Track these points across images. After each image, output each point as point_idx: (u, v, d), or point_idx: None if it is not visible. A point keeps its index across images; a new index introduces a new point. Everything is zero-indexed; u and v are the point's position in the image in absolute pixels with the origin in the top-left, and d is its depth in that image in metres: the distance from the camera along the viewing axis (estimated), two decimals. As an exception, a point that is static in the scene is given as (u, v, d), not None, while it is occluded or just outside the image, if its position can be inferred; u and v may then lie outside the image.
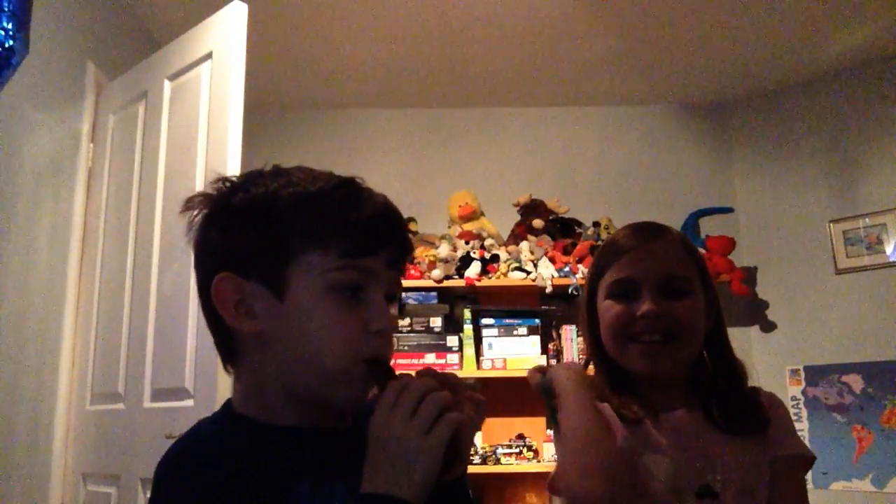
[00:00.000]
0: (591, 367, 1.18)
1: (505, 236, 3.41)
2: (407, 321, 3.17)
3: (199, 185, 2.04)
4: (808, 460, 1.08)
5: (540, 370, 1.08)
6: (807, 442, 3.23)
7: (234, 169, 2.00)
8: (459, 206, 3.37)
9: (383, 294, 0.74)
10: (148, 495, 0.91)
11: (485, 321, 3.18)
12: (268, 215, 0.72)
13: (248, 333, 0.73)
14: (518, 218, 3.40)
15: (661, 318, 1.06)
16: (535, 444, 3.06)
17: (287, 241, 0.71)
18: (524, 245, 3.25)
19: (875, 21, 3.00)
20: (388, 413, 0.67)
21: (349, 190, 0.76)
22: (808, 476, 3.69)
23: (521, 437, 3.09)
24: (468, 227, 3.33)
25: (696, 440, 1.06)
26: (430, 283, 3.17)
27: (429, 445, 0.65)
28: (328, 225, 0.72)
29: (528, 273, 3.15)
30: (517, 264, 3.18)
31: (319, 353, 0.70)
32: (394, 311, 0.77)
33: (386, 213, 0.76)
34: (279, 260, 0.72)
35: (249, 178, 0.76)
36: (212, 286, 0.72)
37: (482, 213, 3.44)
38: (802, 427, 3.27)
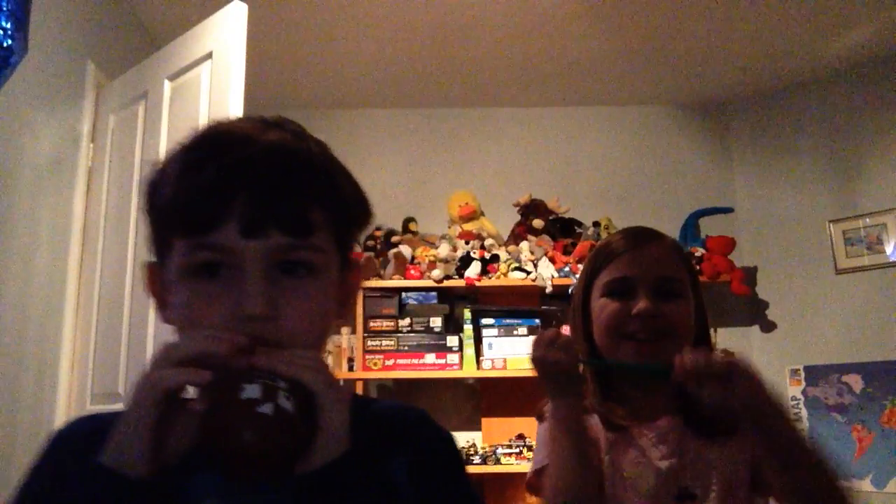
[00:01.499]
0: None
1: (505, 236, 3.41)
2: (407, 321, 3.17)
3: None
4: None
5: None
6: (807, 442, 3.24)
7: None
8: (459, 206, 3.37)
9: (260, 269, 0.60)
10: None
11: (485, 321, 3.18)
12: (146, 193, 0.67)
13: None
14: (518, 218, 3.40)
15: (655, 317, 1.08)
16: (535, 444, 3.06)
17: (157, 222, 0.65)
18: (524, 245, 3.25)
19: (875, 21, 3.00)
20: None
21: (203, 147, 0.64)
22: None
23: (520, 437, 3.09)
24: (468, 227, 3.33)
25: (677, 446, 1.08)
26: (430, 283, 3.17)
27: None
28: (171, 198, 0.62)
29: (528, 273, 3.15)
30: (517, 264, 3.18)
31: None
32: (307, 285, 0.63)
33: (239, 165, 0.61)
34: (162, 244, 0.65)
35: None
36: None
37: (482, 213, 3.45)
38: (802, 427, 3.27)
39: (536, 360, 1.05)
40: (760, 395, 0.99)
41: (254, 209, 0.60)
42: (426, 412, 0.75)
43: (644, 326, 1.08)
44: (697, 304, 1.16)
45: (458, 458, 0.74)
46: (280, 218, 0.61)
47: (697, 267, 3.23)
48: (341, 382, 3.04)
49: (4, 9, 1.43)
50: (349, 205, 0.68)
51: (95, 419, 0.68)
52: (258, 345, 0.59)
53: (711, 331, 3.56)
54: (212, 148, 0.63)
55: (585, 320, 1.17)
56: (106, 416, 0.65)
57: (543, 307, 3.22)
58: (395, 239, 3.33)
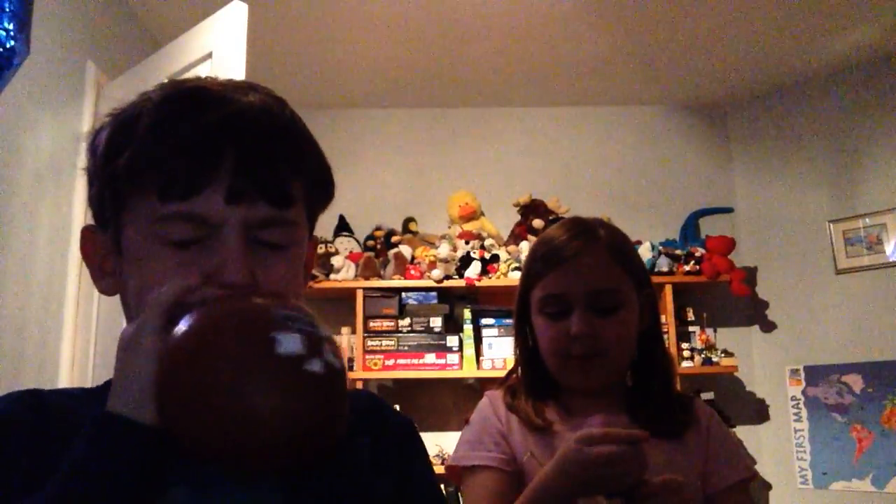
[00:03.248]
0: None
1: (505, 236, 3.41)
2: (407, 321, 3.17)
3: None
4: (746, 482, 1.08)
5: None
6: (806, 442, 3.25)
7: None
8: (459, 206, 3.37)
9: (241, 239, 0.56)
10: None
11: (485, 321, 3.18)
12: (98, 151, 0.61)
13: (113, 295, 0.63)
14: (518, 218, 3.41)
15: (590, 337, 1.06)
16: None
17: (115, 180, 0.58)
18: (524, 245, 3.25)
19: (875, 21, 3.00)
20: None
21: (177, 100, 0.59)
22: (809, 476, 3.67)
23: (521, 437, 3.09)
24: (468, 227, 3.33)
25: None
26: (430, 283, 3.17)
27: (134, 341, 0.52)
28: (143, 154, 0.56)
29: (528, 273, 3.15)
30: (517, 264, 3.18)
31: None
32: (282, 258, 0.59)
33: (222, 122, 0.56)
34: (114, 205, 0.59)
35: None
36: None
37: (482, 213, 3.45)
38: (802, 427, 3.28)
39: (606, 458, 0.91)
40: None
41: (241, 174, 0.56)
42: (376, 395, 0.73)
43: (584, 345, 1.06)
44: (645, 296, 1.12)
45: (420, 441, 0.71)
46: (266, 186, 0.57)
47: (698, 267, 3.23)
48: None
49: (7, 10, 1.43)
50: (324, 179, 0.65)
51: (33, 394, 0.61)
52: None
53: (711, 331, 3.55)
54: (191, 104, 0.58)
55: (528, 334, 1.15)
56: (43, 391, 0.61)
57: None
58: (395, 239, 3.33)
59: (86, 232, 0.64)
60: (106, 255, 0.62)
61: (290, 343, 0.46)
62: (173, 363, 0.48)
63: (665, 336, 3.13)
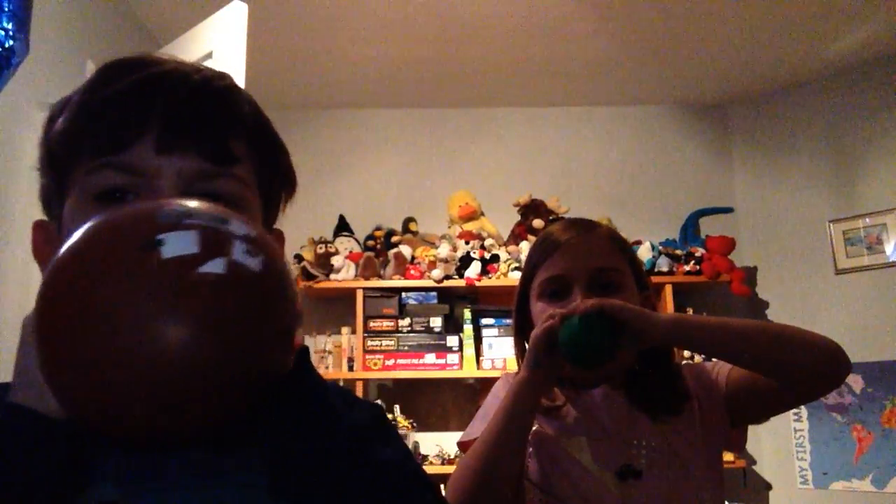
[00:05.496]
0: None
1: (505, 236, 3.41)
2: (407, 321, 3.17)
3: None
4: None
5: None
6: (806, 442, 3.25)
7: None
8: (459, 206, 3.37)
9: (177, 191, 0.52)
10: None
11: (485, 321, 3.18)
12: (42, 137, 0.59)
13: None
14: (518, 218, 3.40)
15: None
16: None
17: (53, 156, 0.56)
18: (524, 245, 3.25)
19: (875, 21, 3.00)
20: None
21: (111, 68, 0.57)
22: (809, 476, 3.66)
23: (521, 437, 3.09)
24: (468, 227, 3.33)
25: (615, 418, 1.05)
26: (430, 283, 3.17)
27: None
28: (74, 118, 0.55)
29: (528, 273, 3.15)
30: (517, 264, 3.18)
31: None
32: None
33: (152, 78, 0.55)
34: (57, 186, 0.57)
35: None
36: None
37: (482, 213, 3.45)
38: (802, 427, 3.28)
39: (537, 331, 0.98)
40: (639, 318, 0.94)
41: (172, 123, 0.53)
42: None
43: None
44: (644, 297, 1.09)
45: (389, 421, 0.67)
46: (200, 138, 0.54)
47: (698, 267, 3.23)
48: (341, 384, 3.04)
49: (6, 10, 1.43)
50: (276, 151, 0.62)
51: None
52: None
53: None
54: (123, 68, 0.56)
55: (526, 325, 1.11)
56: None
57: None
58: (395, 239, 3.33)
59: (36, 226, 0.61)
60: (53, 247, 0.57)
61: (176, 243, 0.35)
62: (42, 302, 0.38)
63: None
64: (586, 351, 0.94)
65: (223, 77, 0.59)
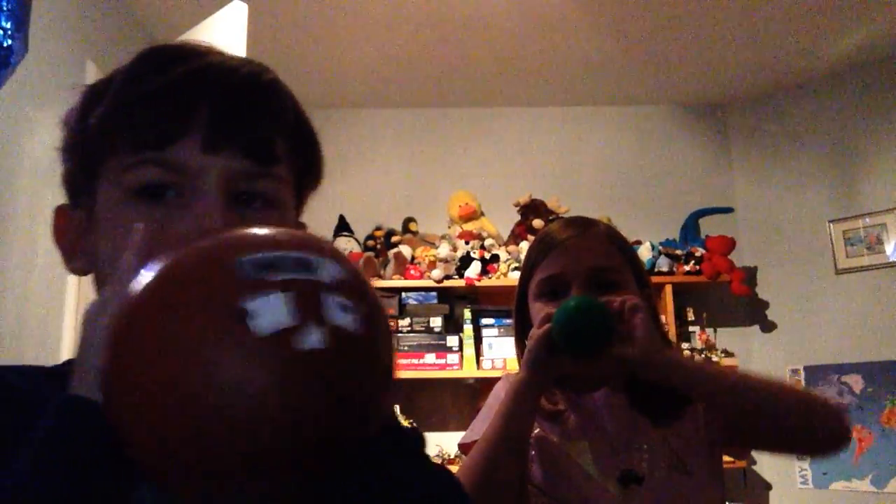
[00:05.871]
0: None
1: (505, 236, 3.41)
2: (407, 321, 3.17)
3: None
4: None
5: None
6: (807, 442, 3.24)
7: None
8: (459, 206, 3.37)
9: (221, 192, 0.51)
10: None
11: (485, 321, 3.18)
12: (70, 122, 0.58)
13: (86, 275, 0.57)
14: (518, 218, 3.40)
15: None
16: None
17: (87, 144, 0.55)
18: (524, 245, 3.25)
19: (875, 21, 3.00)
20: None
21: (153, 57, 0.55)
22: (808, 476, 3.66)
23: (521, 437, 3.09)
24: (468, 227, 3.33)
25: (616, 422, 1.04)
26: (430, 283, 3.17)
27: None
28: (115, 110, 0.53)
29: (528, 273, 3.15)
30: (517, 264, 3.18)
31: None
32: (265, 220, 0.50)
33: (198, 72, 0.53)
34: (87, 174, 0.55)
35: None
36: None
37: (482, 213, 3.45)
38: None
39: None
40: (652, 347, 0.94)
41: (218, 124, 0.51)
42: None
43: None
44: (645, 296, 1.06)
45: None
46: (246, 137, 0.53)
47: (698, 267, 3.23)
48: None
49: (4, 9, 1.43)
50: (309, 146, 0.61)
51: None
52: None
53: (711, 331, 3.54)
54: (166, 58, 0.54)
55: (525, 325, 1.09)
56: None
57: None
58: (395, 239, 3.33)
59: (58, 210, 0.59)
60: (79, 235, 0.56)
61: (268, 314, 0.33)
62: (111, 342, 0.37)
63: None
64: (582, 336, 0.92)
65: (268, 70, 0.58)
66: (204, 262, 0.36)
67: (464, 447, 1.09)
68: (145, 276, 0.37)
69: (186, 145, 0.51)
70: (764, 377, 0.98)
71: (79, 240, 0.57)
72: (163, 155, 0.51)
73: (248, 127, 0.53)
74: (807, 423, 0.93)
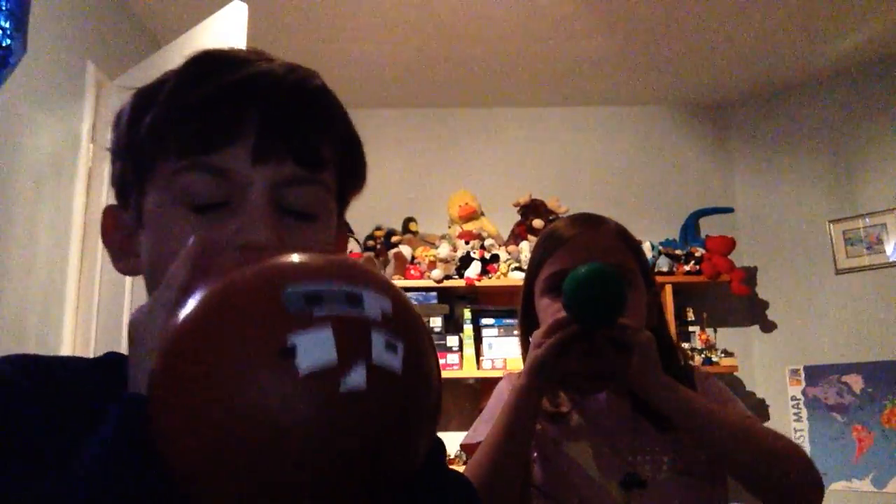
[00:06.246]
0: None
1: (505, 236, 3.41)
2: (407, 321, 3.17)
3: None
4: (753, 419, 1.03)
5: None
6: (806, 442, 3.24)
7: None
8: (459, 206, 3.37)
9: (268, 201, 0.52)
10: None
11: (485, 321, 3.18)
12: (121, 123, 0.59)
13: (134, 275, 0.58)
14: (518, 218, 3.40)
15: None
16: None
17: (138, 147, 0.56)
18: (524, 245, 3.25)
19: (875, 21, 3.00)
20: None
21: (203, 63, 0.56)
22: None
23: (521, 437, 3.09)
24: (468, 227, 3.33)
25: (619, 425, 1.03)
26: (430, 283, 3.17)
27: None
28: (166, 115, 0.54)
29: (528, 273, 3.15)
30: (517, 264, 3.18)
31: None
32: (311, 228, 0.54)
33: (248, 80, 0.54)
34: (137, 175, 0.56)
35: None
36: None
37: (482, 213, 3.45)
38: (802, 427, 3.27)
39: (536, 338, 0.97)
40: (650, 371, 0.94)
41: (267, 132, 0.52)
42: None
43: None
44: (651, 295, 1.05)
45: None
46: (295, 144, 0.53)
47: (698, 266, 3.23)
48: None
49: (3, 8, 1.43)
50: (354, 150, 0.62)
51: (30, 359, 0.55)
52: None
53: (711, 331, 3.54)
54: (217, 65, 0.55)
55: (531, 323, 1.07)
56: (42, 357, 0.55)
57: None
58: (395, 239, 3.33)
59: (108, 211, 0.60)
60: (127, 236, 0.58)
61: (313, 351, 0.33)
62: (158, 366, 0.38)
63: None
64: (596, 301, 0.90)
65: (314, 76, 0.58)
66: (253, 293, 0.36)
67: (467, 448, 1.08)
68: (194, 302, 0.38)
69: (236, 152, 0.52)
70: (741, 420, 0.96)
71: (127, 240, 0.58)
72: (212, 160, 0.52)
73: (296, 134, 0.54)
74: (772, 474, 0.91)
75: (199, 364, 0.35)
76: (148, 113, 0.55)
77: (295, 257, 0.39)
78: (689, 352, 3.19)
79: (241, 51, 0.59)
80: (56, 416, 0.49)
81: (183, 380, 0.36)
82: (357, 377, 0.33)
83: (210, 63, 0.56)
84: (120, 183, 0.60)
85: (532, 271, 1.09)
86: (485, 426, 1.04)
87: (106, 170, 2.47)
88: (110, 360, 0.58)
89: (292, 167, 0.53)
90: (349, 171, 0.61)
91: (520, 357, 2.91)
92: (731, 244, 3.29)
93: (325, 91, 0.58)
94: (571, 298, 0.91)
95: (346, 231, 0.66)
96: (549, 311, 1.00)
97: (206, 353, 0.35)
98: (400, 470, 0.36)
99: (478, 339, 3.16)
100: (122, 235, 0.59)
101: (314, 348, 0.33)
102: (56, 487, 0.41)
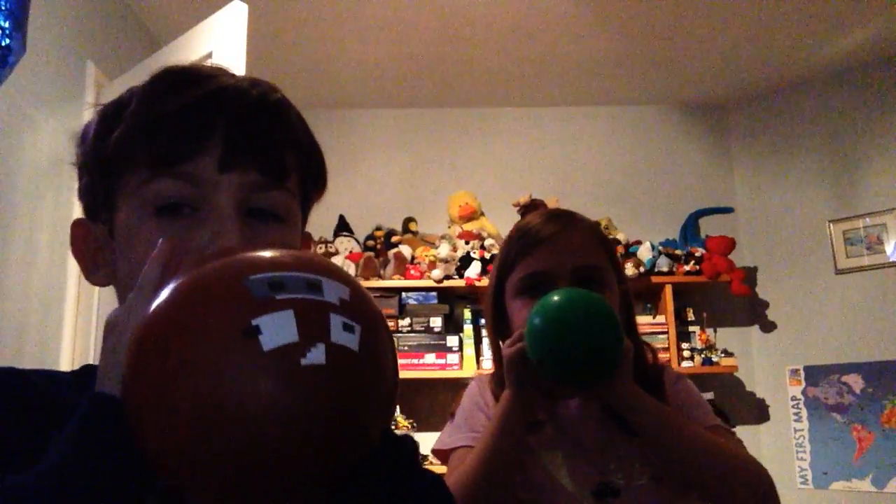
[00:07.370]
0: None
1: (505, 236, 3.41)
2: (407, 321, 3.17)
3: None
4: (720, 429, 1.02)
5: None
6: (806, 442, 3.24)
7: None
8: (459, 206, 3.37)
9: (235, 206, 0.54)
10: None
11: (485, 321, 3.18)
12: (87, 138, 0.60)
13: (107, 286, 0.60)
14: (518, 218, 3.40)
15: None
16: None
17: (106, 162, 0.57)
18: (524, 245, 3.25)
19: (875, 21, 3.00)
20: None
21: (168, 79, 0.58)
22: (808, 476, 3.65)
23: (520, 437, 3.09)
24: (468, 227, 3.33)
25: (591, 433, 1.01)
26: (430, 283, 3.17)
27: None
28: (134, 129, 0.56)
29: (528, 273, 3.15)
30: (517, 264, 3.18)
31: None
32: (276, 232, 0.57)
33: (213, 94, 0.56)
34: (106, 189, 0.58)
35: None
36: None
37: (482, 213, 3.45)
38: (802, 427, 3.27)
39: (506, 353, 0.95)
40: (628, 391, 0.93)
41: (233, 142, 0.55)
42: None
43: None
44: (622, 291, 1.04)
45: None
46: (260, 154, 0.56)
47: (698, 267, 3.23)
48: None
49: (3, 8, 1.42)
50: (315, 158, 0.64)
51: (11, 374, 0.56)
52: None
53: (711, 331, 3.54)
54: (181, 80, 0.58)
55: (502, 325, 1.05)
56: (24, 371, 0.56)
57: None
58: (395, 239, 3.33)
59: (77, 224, 0.62)
60: (99, 248, 0.60)
61: (276, 331, 0.36)
62: (132, 355, 0.40)
63: (665, 336, 3.13)
64: (580, 360, 0.87)
65: (275, 90, 0.61)
66: (219, 282, 0.39)
67: (439, 454, 1.06)
68: (164, 294, 0.40)
69: (204, 161, 0.54)
70: (705, 437, 0.95)
71: (99, 252, 0.60)
72: (180, 168, 0.54)
73: (260, 144, 0.57)
74: (722, 491, 0.92)
75: (169, 348, 0.37)
76: (115, 128, 0.57)
77: (259, 251, 0.42)
78: (689, 352, 3.19)
79: (205, 66, 0.61)
80: (29, 425, 0.50)
81: (154, 366, 0.37)
82: (317, 353, 0.35)
83: (176, 78, 0.58)
84: (88, 197, 0.61)
85: (504, 269, 1.06)
86: (458, 432, 1.03)
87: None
88: (88, 372, 0.58)
89: (257, 176, 0.56)
90: (311, 178, 0.63)
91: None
92: (731, 244, 3.29)
93: (287, 104, 0.61)
94: (547, 353, 0.88)
95: (308, 237, 0.69)
96: (523, 314, 0.96)
97: (175, 338, 0.37)
98: (356, 445, 0.38)
99: (478, 339, 3.17)
100: (94, 248, 0.61)
101: (277, 328, 0.35)
102: (21, 479, 0.41)
